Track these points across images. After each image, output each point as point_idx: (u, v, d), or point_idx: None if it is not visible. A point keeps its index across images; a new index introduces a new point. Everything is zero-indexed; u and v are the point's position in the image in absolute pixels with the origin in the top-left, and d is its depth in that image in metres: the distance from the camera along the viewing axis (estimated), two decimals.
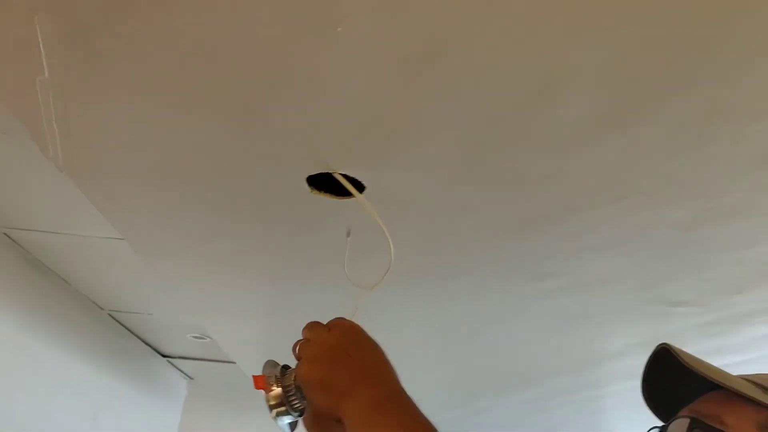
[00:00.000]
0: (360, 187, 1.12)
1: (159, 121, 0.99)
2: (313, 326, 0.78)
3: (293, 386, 0.75)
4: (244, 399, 3.91)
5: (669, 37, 0.78)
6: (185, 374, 3.87)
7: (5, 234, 2.06)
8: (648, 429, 0.86)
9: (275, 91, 0.89)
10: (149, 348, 3.30)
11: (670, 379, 0.83)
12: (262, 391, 0.76)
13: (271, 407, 0.76)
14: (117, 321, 2.89)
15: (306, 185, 1.14)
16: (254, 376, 0.78)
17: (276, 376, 0.77)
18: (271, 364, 0.80)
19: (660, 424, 0.84)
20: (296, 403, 0.75)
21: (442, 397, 2.52)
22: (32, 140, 1.07)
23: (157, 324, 2.93)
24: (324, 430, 0.77)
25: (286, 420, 0.77)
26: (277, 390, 0.75)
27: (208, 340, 2.96)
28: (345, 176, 1.10)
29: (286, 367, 0.79)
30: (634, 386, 2.57)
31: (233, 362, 3.06)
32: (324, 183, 1.15)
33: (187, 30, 0.80)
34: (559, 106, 0.90)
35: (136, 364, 3.27)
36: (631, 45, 0.79)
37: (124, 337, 3.04)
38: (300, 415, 0.77)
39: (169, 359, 3.52)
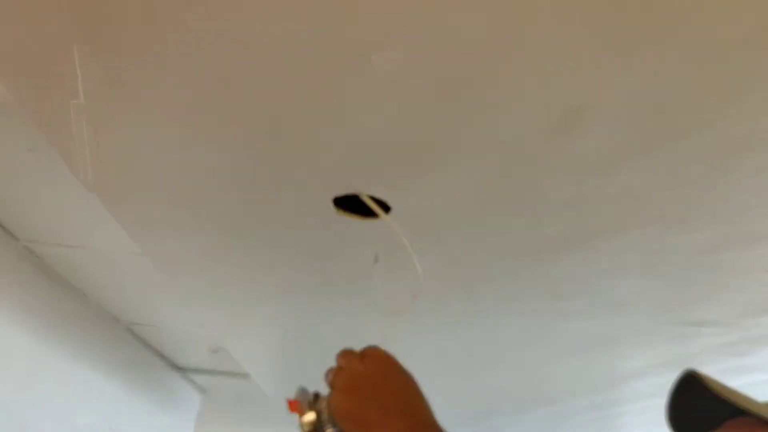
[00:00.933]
0: (386, 208, 1.13)
1: (187, 146, 1.00)
2: (346, 354, 0.78)
3: (326, 412, 0.76)
4: (256, 412, 3.92)
5: (696, 71, 0.78)
6: (199, 387, 3.88)
7: (26, 247, 2.08)
8: None
9: (304, 115, 0.90)
10: (164, 361, 3.32)
11: (695, 404, 0.83)
12: (296, 415, 0.77)
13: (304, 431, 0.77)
14: (134, 334, 2.91)
15: (332, 206, 1.15)
16: (289, 400, 0.79)
17: (309, 401, 0.78)
18: (302, 389, 0.81)
19: None
20: (329, 430, 0.75)
21: (460, 415, 2.50)
22: (63, 160, 1.09)
23: (172, 337, 2.94)
24: None
25: None
26: (310, 416, 0.76)
27: (223, 353, 2.96)
28: (371, 198, 1.10)
29: (317, 395, 0.79)
30: (652, 405, 2.56)
31: (246, 375, 3.07)
32: (350, 204, 1.16)
33: (218, 57, 0.81)
34: (584, 136, 0.90)
35: (151, 377, 3.28)
36: (657, 78, 0.79)
37: (140, 349, 3.05)
38: None
39: (184, 372, 3.53)
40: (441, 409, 0.76)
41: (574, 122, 0.86)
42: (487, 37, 0.74)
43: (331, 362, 0.83)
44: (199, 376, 3.61)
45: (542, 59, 0.77)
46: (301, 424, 0.76)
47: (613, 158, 0.94)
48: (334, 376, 0.76)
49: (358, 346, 0.84)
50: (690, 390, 0.83)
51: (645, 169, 0.97)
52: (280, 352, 2.26)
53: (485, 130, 0.90)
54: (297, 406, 0.78)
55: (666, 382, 2.23)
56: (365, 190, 1.09)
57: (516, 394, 2.50)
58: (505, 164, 0.98)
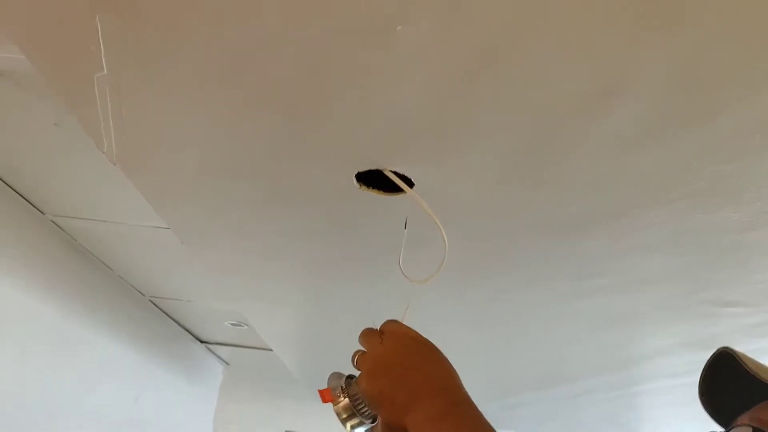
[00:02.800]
0: (409, 184, 1.12)
1: (213, 120, 1.00)
2: (366, 335, 0.76)
3: (360, 394, 0.75)
4: (278, 385, 3.97)
5: (731, 46, 0.75)
6: (222, 360, 3.94)
7: (53, 221, 2.11)
8: None
9: (329, 90, 0.89)
10: (188, 334, 3.37)
11: (729, 382, 0.82)
12: (331, 404, 0.75)
13: (343, 421, 0.76)
14: (157, 307, 2.95)
15: (355, 182, 1.14)
16: (320, 391, 0.77)
17: (342, 387, 0.76)
18: (335, 375, 0.79)
19: (718, 429, 0.83)
20: (366, 411, 0.74)
21: (479, 391, 2.50)
22: (87, 134, 1.09)
23: (195, 311, 2.98)
24: None
25: (361, 429, 0.76)
26: (344, 401, 0.75)
27: (245, 327, 3.00)
28: (395, 173, 1.09)
29: (351, 377, 0.78)
30: (672, 385, 2.53)
31: (269, 349, 3.10)
32: (372, 180, 1.15)
33: (247, 31, 0.80)
34: (614, 113, 0.87)
35: (174, 349, 3.34)
36: (690, 54, 0.76)
37: (164, 322, 3.10)
38: (373, 422, 0.76)
39: (207, 345, 3.59)
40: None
41: (603, 99, 0.84)
42: (515, 12, 0.72)
43: (356, 337, 0.81)
44: (222, 349, 3.66)
45: (571, 35, 0.75)
46: (338, 413, 0.75)
47: (643, 135, 0.92)
48: (359, 360, 0.75)
49: (381, 320, 0.83)
50: (724, 368, 0.82)
51: (675, 146, 0.94)
52: (303, 326, 2.28)
53: (511, 106, 0.88)
54: (329, 394, 0.76)
55: (688, 362, 2.23)
56: (389, 166, 1.08)
57: (535, 372, 2.49)
58: (531, 141, 0.96)
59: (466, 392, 0.69)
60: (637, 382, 2.47)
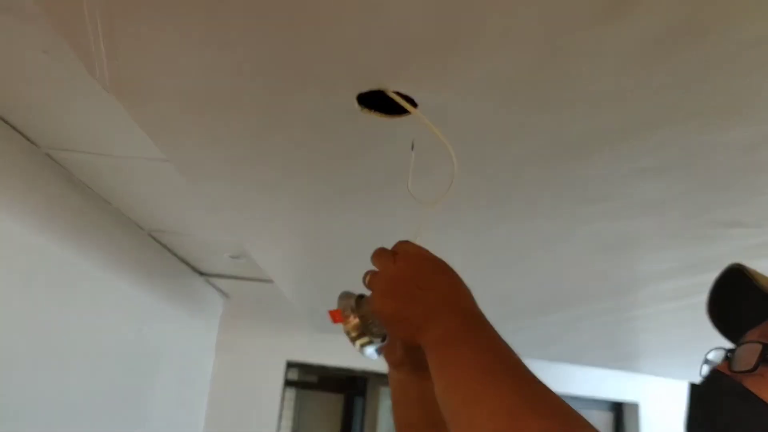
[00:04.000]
0: (412, 104, 1.09)
1: (206, 42, 0.95)
2: (379, 255, 0.75)
3: (370, 313, 0.74)
4: (278, 315, 4.03)
5: None
6: (222, 292, 3.98)
7: (47, 155, 2.08)
8: (711, 349, 0.85)
9: (328, 6, 0.85)
10: (188, 267, 3.38)
11: (740, 299, 0.82)
12: (341, 325, 0.75)
13: (353, 339, 0.76)
14: (157, 241, 2.95)
15: (356, 104, 1.11)
16: (330, 312, 0.77)
17: (351, 306, 0.76)
18: (345, 295, 0.79)
19: (726, 345, 0.83)
20: (376, 330, 0.74)
21: None
22: (78, 59, 1.05)
23: (195, 244, 2.98)
24: (408, 352, 0.76)
25: (370, 349, 0.76)
26: (354, 321, 0.74)
27: (244, 259, 3.01)
28: (398, 94, 1.06)
29: (361, 296, 0.77)
30: (670, 308, 2.56)
31: (268, 281, 3.12)
32: (374, 102, 1.12)
33: None
34: (629, 22, 0.83)
35: (174, 282, 3.36)
36: None
37: (164, 256, 3.11)
38: (383, 340, 0.76)
39: (207, 277, 3.61)
40: None
41: (617, 6, 0.80)
42: None
43: (358, 265, 0.80)
44: (222, 282, 3.70)
45: None
46: (347, 332, 0.75)
47: (657, 47, 0.88)
48: (371, 280, 0.73)
49: (387, 245, 0.82)
50: (734, 284, 0.81)
51: (688, 58, 0.91)
52: (304, 256, 2.28)
53: (517, 14, 0.84)
54: (339, 315, 0.76)
55: (688, 285, 2.24)
56: (391, 87, 1.05)
57: (537, 297, 2.52)
58: (538, 57, 0.92)
59: (480, 310, 0.68)
60: (636, 305, 2.51)
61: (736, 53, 0.88)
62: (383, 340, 0.76)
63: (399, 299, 0.69)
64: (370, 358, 0.77)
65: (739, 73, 0.93)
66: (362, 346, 0.75)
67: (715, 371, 0.78)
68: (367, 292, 0.74)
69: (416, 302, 0.68)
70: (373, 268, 0.75)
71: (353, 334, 0.75)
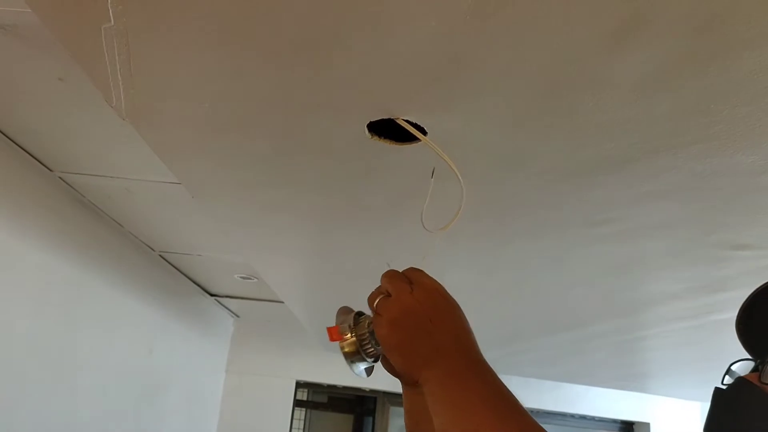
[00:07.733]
0: (422, 132, 1.11)
1: (221, 71, 0.98)
2: (394, 279, 0.73)
3: (367, 334, 0.74)
4: (287, 336, 4.04)
5: None
6: (232, 312, 3.99)
7: (60, 178, 2.11)
8: (736, 360, 0.87)
9: (340, 38, 0.87)
10: (198, 287, 3.40)
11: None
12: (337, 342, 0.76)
13: (346, 355, 0.76)
14: (167, 261, 2.97)
15: (366, 132, 1.13)
16: (328, 328, 0.77)
17: (350, 324, 0.76)
18: (344, 311, 0.79)
19: (749, 359, 0.86)
20: (370, 350, 0.74)
21: (487, 337, 2.55)
22: (95, 88, 1.08)
23: (205, 264, 3.00)
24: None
25: (362, 366, 0.77)
26: (351, 339, 0.75)
27: (255, 280, 3.03)
28: (407, 122, 1.08)
29: (360, 314, 0.78)
30: (678, 329, 2.54)
31: (278, 301, 3.13)
32: (384, 129, 1.14)
33: None
34: (632, 53, 0.85)
35: (185, 303, 3.38)
36: None
37: (174, 276, 3.13)
38: (375, 361, 0.77)
39: (217, 298, 3.63)
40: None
41: (622, 38, 0.82)
42: None
43: (366, 285, 0.79)
44: (232, 302, 3.71)
45: None
46: (341, 347, 0.75)
47: (664, 76, 0.90)
48: (380, 304, 0.72)
49: (396, 267, 0.82)
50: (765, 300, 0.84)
51: (692, 87, 0.92)
52: (314, 278, 2.30)
53: (526, 47, 0.86)
54: (336, 332, 0.76)
55: (696, 306, 2.24)
56: (401, 115, 1.07)
57: (543, 317, 2.52)
58: (545, 86, 0.95)
59: (481, 352, 0.69)
60: (643, 327, 2.50)
61: (736, 82, 0.90)
62: (375, 360, 0.76)
63: (409, 331, 0.68)
64: (359, 376, 0.78)
65: (740, 102, 0.94)
66: (353, 362, 0.76)
67: (743, 380, 0.82)
68: (367, 310, 0.75)
69: (427, 338, 0.67)
70: (378, 285, 0.74)
71: (346, 350, 0.75)
